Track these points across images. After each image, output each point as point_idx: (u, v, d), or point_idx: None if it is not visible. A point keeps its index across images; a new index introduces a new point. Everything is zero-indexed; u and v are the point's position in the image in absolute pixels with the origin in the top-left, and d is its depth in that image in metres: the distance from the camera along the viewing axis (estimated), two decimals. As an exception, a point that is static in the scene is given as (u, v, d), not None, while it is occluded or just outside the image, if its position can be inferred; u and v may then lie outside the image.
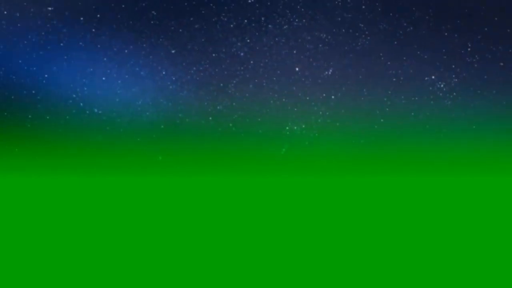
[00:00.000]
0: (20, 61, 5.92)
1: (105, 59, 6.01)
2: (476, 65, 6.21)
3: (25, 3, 5.83)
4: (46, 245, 5.68)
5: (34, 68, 5.95)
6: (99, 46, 5.98)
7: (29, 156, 6.01)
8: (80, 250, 5.60)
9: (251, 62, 6.16)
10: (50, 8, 5.83)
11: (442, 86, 6.26)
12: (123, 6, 5.93)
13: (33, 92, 5.96)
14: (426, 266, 5.53)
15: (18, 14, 5.85)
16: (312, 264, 5.57)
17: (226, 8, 6.06)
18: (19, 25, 5.87)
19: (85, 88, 6.00)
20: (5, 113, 5.98)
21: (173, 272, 5.29)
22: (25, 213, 5.96)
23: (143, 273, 5.17)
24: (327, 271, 5.44)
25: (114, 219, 6.00)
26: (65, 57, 5.97)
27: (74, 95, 5.99)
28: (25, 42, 5.91)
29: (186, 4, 6.01)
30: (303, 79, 6.19)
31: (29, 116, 5.97)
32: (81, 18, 5.93)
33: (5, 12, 5.83)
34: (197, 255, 5.65)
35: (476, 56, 6.19)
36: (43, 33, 5.90)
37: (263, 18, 6.12)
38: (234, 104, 6.19)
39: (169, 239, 5.87)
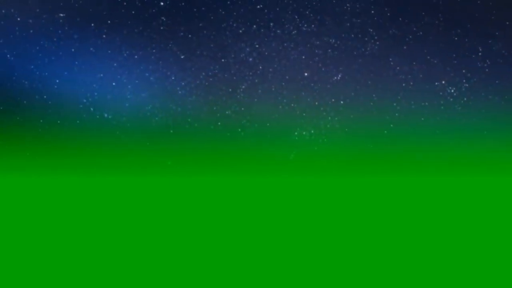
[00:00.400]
0: (32, 67, 6.03)
1: (115, 64, 6.08)
2: (487, 70, 6.15)
3: (37, 10, 5.94)
4: (47, 244, 5.73)
5: (46, 73, 6.05)
6: (109, 51, 6.06)
7: (42, 159, 6.10)
8: (81, 250, 5.64)
9: (260, 67, 6.18)
10: (62, 15, 5.93)
11: (452, 91, 6.21)
12: (133, 12, 6.01)
13: (45, 97, 6.05)
14: (434, 267, 5.48)
15: (30, 21, 5.96)
16: (318, 265, 5.54)
17: (235, 13, 6.10)
18: (31, 31, 5.98)
19: (95, 93, 6.08)
20: (18, 118, 6.08)
21: (177, 272, 5.30)
22: (37, 213, 6.04)
23: (144, 272, 5.19)
24: (334, 272, 5.41)
25: (108, 218, 6.05)
26: (76, 62, 6.06)
27: (84, 100, 6.07)
28: (37, 48, 6.02)
29: (195, 10, 6.06)
30: (312, 84, 6.19)
31: (41, 121, 6.06)
32: (92, 24, 6.03)
33: (18, 19, 5.95)
34: (208, 257, 5.65)
35: (487, 60, 6.14)
36: (55, 39, 6.01)
37: (271, 24, 6.15)
38: (242, 109, 6.22)
39: (181, 242, 5.89)
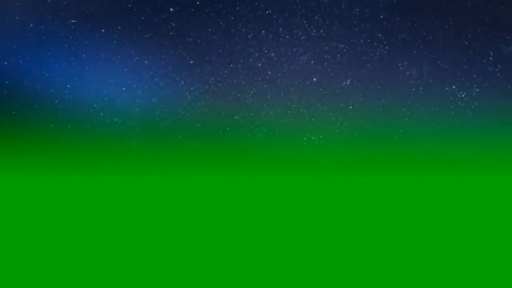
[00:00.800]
0: (44, 72, 6.13)
1: (125, 69, 6.15)
2: (498, 74, 6.08)
3: (50, 16, 6.04)
4: (47, 244, 5.76)
5: (57, 79, 6.14)
6: (119, 57, 6.13)
7: (51, 160, 6.17)
8: (81, 250, 5.66)
9: (269, 72, 6.19)
10: (73, 21, 6.02)
11: (463, 95, 6.14)
12: (142, 18, 6.08)
13: (56, 101, 6.13)
14: (434, 267, 5.40)
15: (43, 27, 6.07)
16: (305, 260, 5.50)
17: (244, 19, 6.13)
18: (43, 37, 6.09)
19: (106, 98, 6.15)
20: (29, 122, 6.17)
21: (176, 271, 5.29)
22: (29, 212, 6.09)
23: (143, 271, 5.19)
24: (322, 268, 5.35)
25: (108, 218, 6.07)
26: (87, 68, 6.14)
27: (95, 105, 6.13)
28: (49, 53, 6.11)
29: (204, 16, 6.11)
30: (320, 89, 6.18)
31: (52, 125, 6.14)
32: (103, 30, 6.11)
33: (31, 25, 6.06)
34: (192, 252, 5.65)
35: (498, 65, 6.07)
36: (66, 45, 6.10)
37: (280, 29, 6.16)
38: (251, 114, 6.22)
39: (163, 235, 5.90)
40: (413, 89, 6.14)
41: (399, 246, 5.72)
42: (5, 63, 6.06)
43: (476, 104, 6.09)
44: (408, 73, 6.12)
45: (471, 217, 6.00)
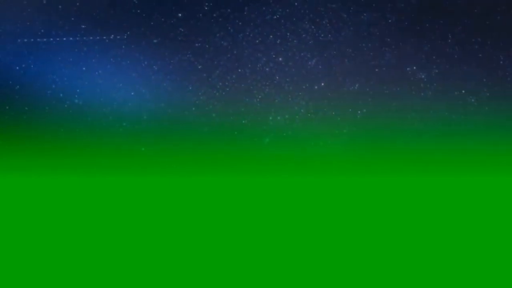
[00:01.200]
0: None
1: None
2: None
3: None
4: (46, 244, 5.81)
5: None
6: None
7: (26, 156, 6.19)
8: (80, 249, 5.69)
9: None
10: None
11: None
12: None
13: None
14: (427, 266, 5.35)
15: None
16: (310, 262, 5.46)
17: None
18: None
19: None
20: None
21: (171, 271, 5.29)
22: (29, 212, 6.15)
23: (142, 271, 5.20)
24: (325, 269, 5.31)
25: (109, 218, 6.09)
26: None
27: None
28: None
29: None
30: (286, 69, 6.15)
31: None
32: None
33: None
34: (196, 254, 5.64)
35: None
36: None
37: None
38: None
39: (166, 237, 5.90)
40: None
41: (400, 245, 5.68)
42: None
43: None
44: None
45: (473, 218, 5.95)
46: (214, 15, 6.12)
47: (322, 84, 6.21)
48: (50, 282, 5.01)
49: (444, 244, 5.75)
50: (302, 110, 6.14)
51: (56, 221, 6.09)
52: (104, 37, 6.11)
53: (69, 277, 5.12)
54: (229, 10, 6.07)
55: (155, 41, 6.16)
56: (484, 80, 6.05)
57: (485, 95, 6.04)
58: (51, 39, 6.09)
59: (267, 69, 6.22)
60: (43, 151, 6.15)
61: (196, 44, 6.17)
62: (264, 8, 6.10)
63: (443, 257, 5.56)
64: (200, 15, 6.13)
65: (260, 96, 6.24)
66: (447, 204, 6.05)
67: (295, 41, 6.18)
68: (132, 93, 6.19)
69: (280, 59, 6.20)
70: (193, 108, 6.22)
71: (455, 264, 5.42)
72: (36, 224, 6.06)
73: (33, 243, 5.82)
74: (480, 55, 6.02)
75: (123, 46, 6.16)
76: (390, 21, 6.06)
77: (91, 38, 6.10)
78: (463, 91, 6.06)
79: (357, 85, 6.16)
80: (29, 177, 6.19)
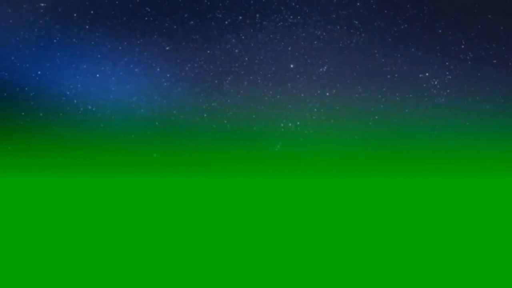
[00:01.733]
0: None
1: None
2: (469, 63, 6.00)
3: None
4: (46, 243, 5.82)
5: (27, 65, 6.27)
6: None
7: (28, 156, 6.23)
8: (80, 249, 5.70)
9: (246, 59, 6.23)
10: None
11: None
12: (116, 2, 6.20)
13: (26, 89, 6.28)
14: (424, 264, 5.31)
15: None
16: (308, 261, 5.43)
17: (220, 4, 6.13)
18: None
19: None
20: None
21: (170, 270, 5.28)
22: (26, 212, 6.17)
23: (141, 270, 5.19)
24: (323, 268, 5.28)
25: (108, 218, 6.11)
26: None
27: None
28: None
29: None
30: (297, 76, 6.13)
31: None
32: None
33: (57, 38, 6.25)
34: (193, 253, 5.63)
35: (470, 53, 6.00)
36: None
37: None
38: (228, 101, 6.22)
39: (164, 236, 5.90)
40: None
41: (396, 242, 5.66)
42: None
43: (448, 91, 6.01)
44: (383, 60, 6.06)
45: (467, 215, 5.92)
46: (226, 22, 6.17)
47: (334, 91, 6.23)
48: (51, 281, 5.01)
49: (460, 243, 5.73)
50: (313, 117, 6.15)
51: (52, 219, 6.14)
52: (117, 45, 6.21)
53: (68, 275, 5.13)
54: (240, 18, 6.11)
55: (167, 48, 6.23)
56: (447, 63, 6.02)
57: (447, 77, 6.02)
58: (66, 47, 6.20)
59: (278, 76, 6.26)
60: (56, 155, 6.22)
61: (208, 51, 6.23)
62: (275, 16, 6.15)
63: (442, 257, 5.54)
64: (212, 23, 6.19)
65: (271, 103, 6.27)
66: (463, 205, 6.02)
67: (306, 48, 6.22)
68: (145, 100, 6.27)
69: (292, 66, 6.24)
70: (205, 115, 6.27)
71: (454, 263, 5.39)
72: (33, 222, 6.09)
73: (29, 240, 5.86)
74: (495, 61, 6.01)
75: (136, 54, 6.24)
76: (402, 27, 6.09)
77: (104, 46, 6.18)
78: (427, 74, 6.03)
79: (368, 92, 6.17)
80: (48, 177, 6.25)
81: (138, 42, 6.16)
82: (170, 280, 5.12)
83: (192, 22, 6.10)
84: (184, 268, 5.43)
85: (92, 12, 6.03)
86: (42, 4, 5.81)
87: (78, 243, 5.95)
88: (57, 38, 6.30)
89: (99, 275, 5.18)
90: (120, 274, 5.23)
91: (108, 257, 5.65)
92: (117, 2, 6.01)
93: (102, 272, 5.25)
